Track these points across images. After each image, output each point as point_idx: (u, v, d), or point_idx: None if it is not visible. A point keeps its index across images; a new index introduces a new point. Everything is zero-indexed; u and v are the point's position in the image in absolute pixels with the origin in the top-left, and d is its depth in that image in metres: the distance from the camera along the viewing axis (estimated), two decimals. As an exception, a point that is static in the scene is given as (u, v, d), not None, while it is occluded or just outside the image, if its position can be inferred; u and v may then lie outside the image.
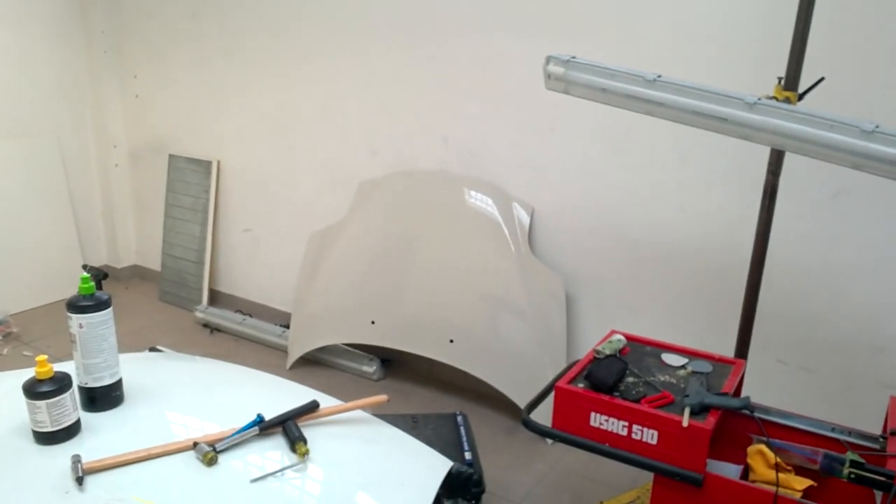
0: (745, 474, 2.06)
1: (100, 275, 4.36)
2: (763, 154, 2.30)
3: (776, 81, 2.15)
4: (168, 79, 4.47)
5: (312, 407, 1.65)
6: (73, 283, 4.85)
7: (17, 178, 4.35)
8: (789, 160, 2.27)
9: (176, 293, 4.60)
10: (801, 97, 2.14)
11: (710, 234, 2.85)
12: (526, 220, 3.22)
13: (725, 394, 2.01)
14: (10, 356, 3.84)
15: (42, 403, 1.50)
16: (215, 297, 4.53)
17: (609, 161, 3.02)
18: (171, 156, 4.55)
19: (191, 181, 4.46)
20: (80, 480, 1.40)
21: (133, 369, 1.84)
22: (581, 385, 2.05)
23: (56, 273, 4.56)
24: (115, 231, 4.91)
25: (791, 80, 2.14)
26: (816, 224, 2.63)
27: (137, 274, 5.04)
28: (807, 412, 2.22)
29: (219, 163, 4.34)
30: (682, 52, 2.76)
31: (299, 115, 3.92)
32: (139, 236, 4.98)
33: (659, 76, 2.02)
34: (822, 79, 2.17)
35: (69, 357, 1.67)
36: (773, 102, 1.93)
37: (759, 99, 1.91)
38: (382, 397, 1.74)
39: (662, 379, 2.11)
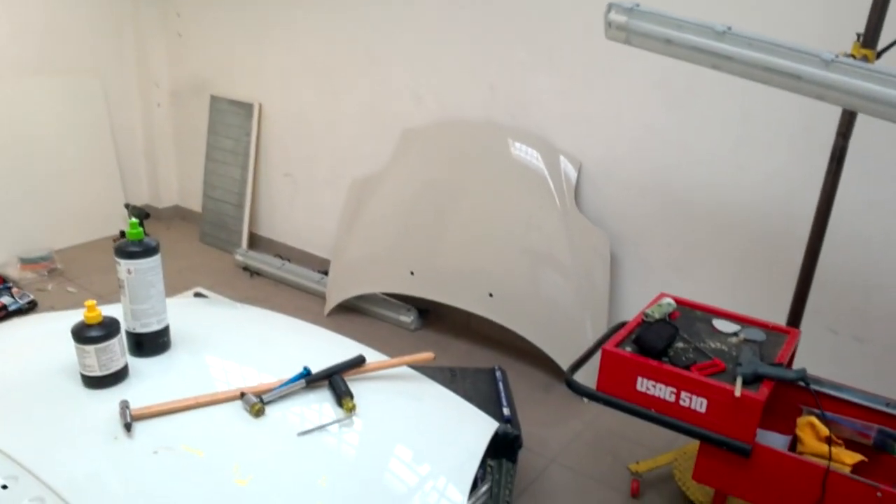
0: (793, 445, 2.02)
1: (142, 214, 4.38)
2: (832, 115, 2.19)
3: (854, 38, 2.02)
4: (211, 18, 4.40)
5: (359, 361, 1.64)
6: (115, 221, 4.91)
7: (59, 116, 4.35)
8: (860, 123, 2.15)
9: (216, 235, 4.62)
10: (879, 55, 2.01)
11: (769, 198, 2.74)
12: (573, 174, 3.13)
13: (780, 364, 1.95)
14: (54, 292, 3.90)
15: (91, 348, 1.50)
16: (255, 241, 4.54)
17: (665, 116, 2.90)
18: (212, 97, 4.51)
19: (232, 123, 4.43)
20: (128, 427, 1.40)
21: (179, 315, 1.83)
22: (629, 349, 2.01)
23: (98, 211, 4.60)
24: (156, 171, 4.92)
25: (870, 37, 2.01)
26: (883, 191, 2.51)
27: (178, 214, 5.06)
28: (855, 383, 2.16)
29: (261, 105, 4.30)
30: (752, 1, 2.61)
31: (343, 59, 3.84)
32: (180, 177, 4.99)
33: (729, 28, 1.91)
34: (902, 36, 2.04)
35: (112, 295, 1.66)
36: (851, 60, 1.81)
37: (837, 56, 1.80)
38: (429, 354, 1.72)
39: (713, 346, 2.06)
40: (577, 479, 2.66)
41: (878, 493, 1.69)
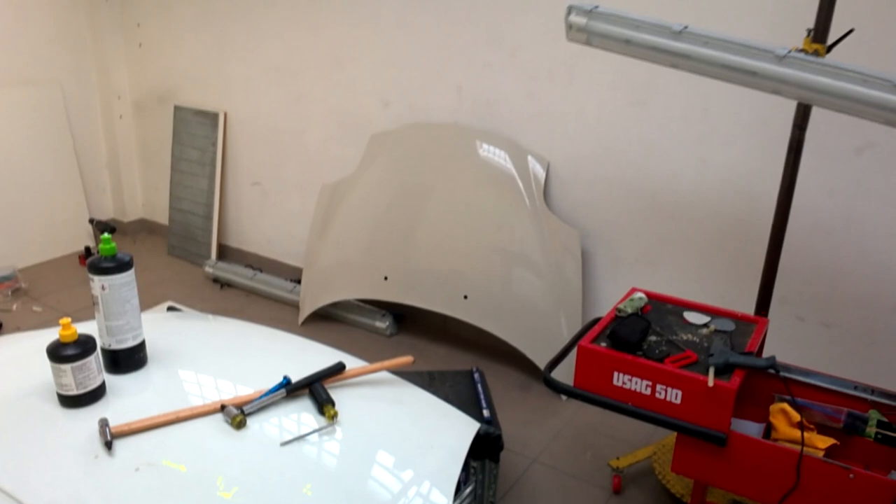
0: (767, 432, 2.06)
1: (108, 228, 4.32)
2: (788, 107, 2.25)
3: (805, 33, 2.08)
4: (172, 27, 4.36)
5: (339, 368, 1.64)
6: (80, 237, 4.83)
7: (19, 129, 4.27)
8: (814, 113, 2.21)
9: (184, 247, 4.57)
10: (829, 49, 2.07)
11: (732, 189, 2.80)
12: (541, 173, 3.17)
13: (750, 353, 2.00)
14: (19, 312, 3.83)
15: (67, 367, 1.49)
16: (224, 252, 4.51)
17: (628, 112, 2.95)
18: (176, 107, 4.47)
19: (197, 133, 4.39)
20: (108, 445, 1.39)
21: (154, 330, 1.82)
22: (604, 344, 2.04)
23: (62, 227, 4.53)
24: (121, 184, 4.86)
25: (820, 32, 2.07)
26: (840, 179, 2.58)
27: (145, 228, 5.00)
28: (824, 368, 2.22)
29: (225, 114, 4.27)
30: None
31: (307, 64, 3.83)
32: (146, 189, 4.94)
33: (685, 27, 1.95)
34: (851, 30, 2.10)
35: (80, 312, 1.65)
36: (804, 55, 1.86)
37: (789, 52, 1.85)
38: (408, 358, 1.73)
39: (685, 337, 2.10)
40: (559, 477, 2.69)
41: (851, 475, 1.74)
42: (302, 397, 1.59)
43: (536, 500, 2.56)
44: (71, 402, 1.52)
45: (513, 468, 2.71)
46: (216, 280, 4.24)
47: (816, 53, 2.01)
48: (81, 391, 1.52)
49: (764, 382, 2.13)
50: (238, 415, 1.47)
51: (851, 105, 1.79)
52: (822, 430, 2.01)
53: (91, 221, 4.63)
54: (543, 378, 2.10)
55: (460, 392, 2.65)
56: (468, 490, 1.58)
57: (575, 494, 2.60)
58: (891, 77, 1.72)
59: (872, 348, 2.65)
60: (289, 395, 1.57)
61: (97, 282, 1.59)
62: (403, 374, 1.94)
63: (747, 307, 2.49)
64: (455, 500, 1.40)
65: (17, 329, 3.56)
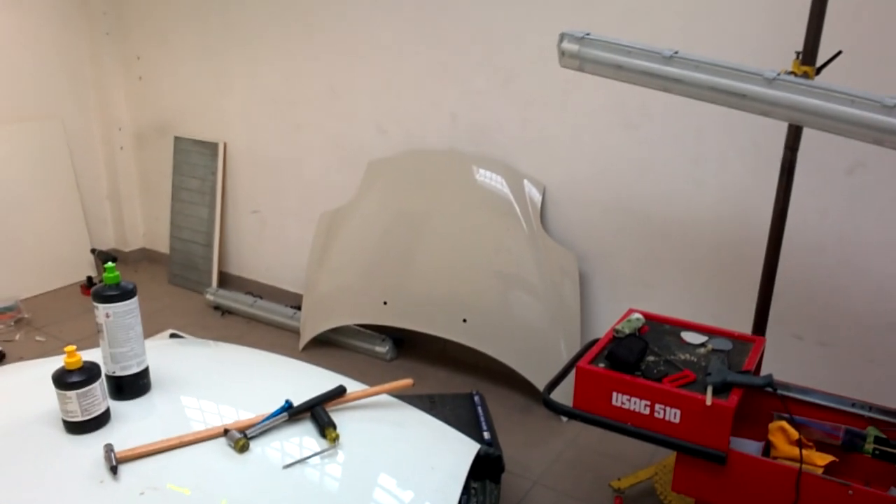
0: (766, 450, 2.07)
1: (109, 258, 4.36)
2: (780, 128, 2.29)
3: (794, 56, 2.13)
4: (171, 59, 4.43)
5: (340, 392, 1.66)
6: (81, 267, 4.85)
7: (21, 163, 4.32)
8: (805, 135, 2.25)
9: (185, 276, 4.60)
10: (818, 71, 2.12)
11: (726, 210, 2.84)
12: (538, 197, 3.21)
13: (748, 371, 2.02)
14: (22, 342, 3.84)
15: (73, 394, 1.51)
16: (225, 280, 4.53)
17: (622, 136, 3.00)
18: (176, 138, 4.52)
19: (197, 163, 4.44)
20: (114, 469, 1.41)
21: (157, 356, 1.84)
22: (602, 365, 2.06)
23: (64, 258, 4.56)
24: (122, 214, 4.90)
25: (809, 54, 2.11)
26: (832, 199, 2.62)
27: (146, 257, 5.03)
28: (823, 387, 2.23)
29: (225, 144, 4.32)
30: (694, 23, 2.72)
31: (305, 93, 3.89)
32: (147, 219, 4.97)
33: (676, 52, 2.00)
34: (839, 52, 2.15)
35: (83, 341, 1.67)
36: (793, 78, 1.91)
37: (779, 74, 1.89)
38: (408, 381, 1.75)
39: (683, 357, 2.12)
40: (561, 499, 2.69)
41: (850, 492, 1.75)
42: (304, 421, 1.61)
43: (539, 522, 2.56)
44: (76, 428, 1.53)
45: (514, 490, 2.71)
46: (217, 307, 4.26)
47: (806, 76, 2.06)
48: (87, 417, 1.53)
49: (762, 401, 2.14)
50: (241, 438, 1.49)
51: (841, 125, 1.83)
52: (821, 447, 2.03)
53: (93, 251, 4.66)
54: (543, 399, 2.11)
55: (461, 415, 2.66)
56: (470, 511, 1.59)
57: (577, 516, 2.60)
58: (878, 97, 1.76)
59: (870, 366, 2.67)
60: (291, 418, 1.59)
61: (101, 310, 1.61)
62: (404, 397, 1.96)
63: (743, 326, 2.51)
64: (456, 520, 1.42)
65: (20, 359, 3.57)
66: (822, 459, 1.96)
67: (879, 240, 2.57)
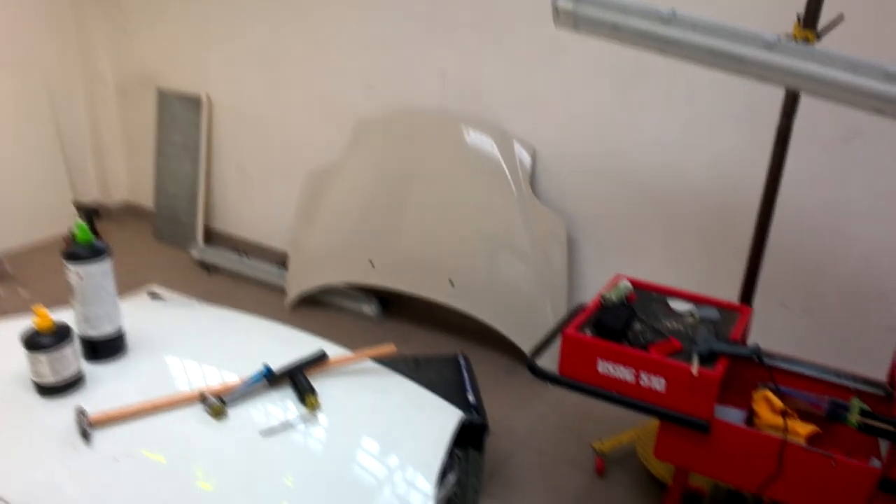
0: (749, 419, 2.07)
1: (92, 212, 4.29)
2: (775, 94, 2.23)
3: (795, 19, 2.06)
4: (154, 10, 4.29)
5: (320, 357, 1.63)
6: (64, 219, 4.77)
7: (2, 113, 4.22)
8: (801, 102, 2.20)
9: (170, 231, 4.54)
10: (819, 36, 2.06)
11: (717, 176, 2.80)
12: (527, 160, 3.15)
13: (734, 341, 2.00)
14: (6, 297, 3.79)
15: (43, 356, 1.47)
16: (210, 235, 4.48)
17: (615, 98, 2.93)
18: (159, 90, 4.42)
19: (181, 116, 4.34)
20: (86, 435, 1.38)
21: (133, 317, 1.80)
22: (588, 332, 2.03)
23: (46, 210, 4.48)
24: (105, 167, 4.81)
25: (810, 18, 2.05)
26: (826, 167, 2.58)
27: (130, 211, 4.96)
28: (807, 354, 2.22)
29: (209, 98, 4.22)
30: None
31: (291, 48, 3.79)
32: (130, 173, 4.88)
33: (674, 13, 1.93)
34: (840, 17, 2.08)
35: (66, 295, 1.61)
36: (793, 43, 1.85)
37: (779, 38, 1.83)
38: (390, 347, 1.71)
39: (669, 325, 2.10)
40: (544, 460, 2.70)
41: (833, 463, 1.75)
42: (283, 387, 1.58)
43: (521, 483, 2.57)
44: (48, 391, 1.50)
45: (498, 452, 2.72)
46: (203, 264, 4.21)
47: (806, 41, 2.00)
48: (58, 380, 1.50)
49: (747, 369, 2.13)
50: (218, 405, 1.46)
51: (841, 93, 1.78)
52: (804, 417, 2.02)
53: (75, 204, 4.58)
54: (528, 365, 2.09)
55: (445, 378, 2.64)
56: (452, 478, 1.57)
57: (559, 477, 2.61)
58: (880, 65, 1.70)
59: (854, 336, 2.67)
60: (270, 384, 1.55)
61: (73, 270, 1.56)
62: (388, 360, 1.93)
63: (729, 293, 2.49)
64: (439, 488, 1.40)
65: (3, 314, 3.53)
66: (804, 429, 1.95)
67: (869, 210, 2.54)
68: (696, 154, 2.82)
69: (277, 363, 1.60)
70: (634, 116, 2.91)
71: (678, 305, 2.21)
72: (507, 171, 3.14)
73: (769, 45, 1.83)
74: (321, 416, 1.50)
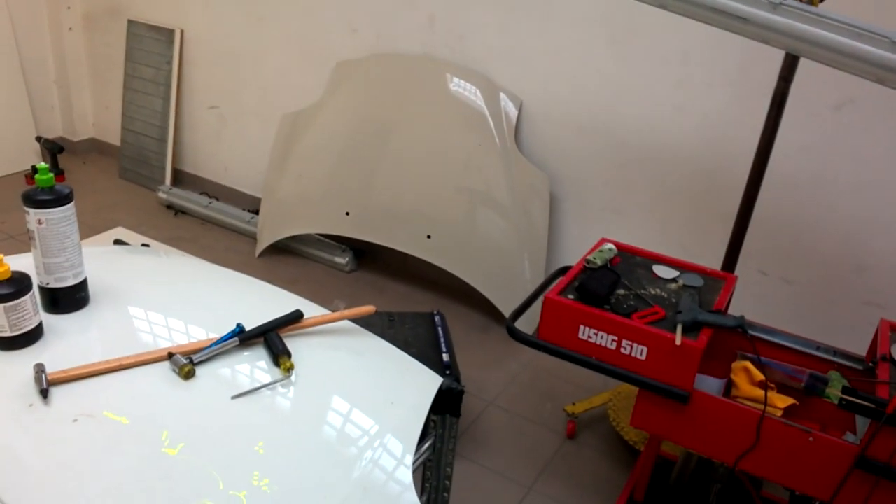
0: (727, 388, 2.05)
1: (55, 148, 4.11)
2: (770, 56, 2.16)
3: (801, -21, 1.98)
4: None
5: (296, 317, 1.55)
6: (26, 155, 4.59)
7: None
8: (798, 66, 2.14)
9: (137, 171, 4.38)
10: (822, -1, 1.98)
11: (705, 138, 2.74)
12: (513, 112, 3.06)
13: (718, 311, 1.96)
14: (-39, 232, 3.65)
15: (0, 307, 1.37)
16: (179, 177, 4.33)
17: (605, 51, 2.84)
18: (130, 21, 4.21)
19: (152, 50, 4.15)
20: (44, 393, 1.30)
21: (98, 266, 1.70)
22: (571, 297, 1.98)
23: (8, 145, 4.29)
24: (70, 101, 4.60)
25: (815, -21, 1.97)
26: (815, 134, 2.53)
27: (95, 148, 4.77)
28: (783, 324, 2.21)
29: (182, 31, 4.03)
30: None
31: (270, -17, 3.62)
32: (97, 108, 4.68)
33: (677, -35, 1.84)
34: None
35: (27, 243, 1.50)
36: (798, 3, 1.77)
37: (784, -2, 1.75)
38: (370, 308, 1.64)
39: (653, 292, 2.05)
40: (515, 420, 2.68)
41: (810, 438, 1.74)
42: (256, 346, 1.50)
43: (491, 442, 2.56)
44: (4, 344, 1.41)
45: (470, 410, 2.70)
46: (170, 206, 4.08)
47: (810, 1, 1.92)
48: (16, 333, 1.41)
49: (727, 338, 2.10)
50: (186, 364, 1.38)
51: (844, 60, 1.72)
52: (782, 389, 2.01)
53: (38, 140, 4.39)
54: (507, 328, 2.04)
55: (420, 335, 2.59)
56: (427, 444, 1.53)
57: (530, 438, 2.60)
58: (887, 32, 1.64)
59: (831, 307, 2.66)
60: (242, 343, 1.48)
61: (33, 215, 1.45)
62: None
63: (711, 258, 2.46)
64: (414, 455, 1.35)
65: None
66: (782, 402, 1.94)
67: (854, 181, 2.51)
68: (686, 116, 2.75)
69: (250, 320, 1.52)
70: (625, 72, 2.82)
71: (662, 271, 2.16)
72: (491, 123, 3.05)
73: (774, 6, 1.76)
74: (295, 379, 1.43)
